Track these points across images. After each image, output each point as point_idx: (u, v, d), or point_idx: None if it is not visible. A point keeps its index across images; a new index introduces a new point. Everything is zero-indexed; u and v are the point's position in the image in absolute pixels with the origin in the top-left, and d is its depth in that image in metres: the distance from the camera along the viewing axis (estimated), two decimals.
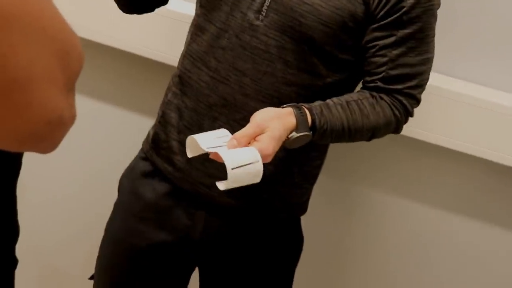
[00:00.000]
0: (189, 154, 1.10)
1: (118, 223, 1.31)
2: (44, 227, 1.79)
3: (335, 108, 1.14)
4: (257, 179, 1.02)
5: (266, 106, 1.13)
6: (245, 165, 1.01)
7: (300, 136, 1.08)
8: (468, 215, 1.59)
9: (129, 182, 1.32)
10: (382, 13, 1.13)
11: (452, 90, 1.46)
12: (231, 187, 0.99)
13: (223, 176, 1.01)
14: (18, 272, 1.09)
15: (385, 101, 1.18)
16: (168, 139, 1.25)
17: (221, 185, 1.00)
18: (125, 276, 1.33)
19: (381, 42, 1.15)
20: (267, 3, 1.14)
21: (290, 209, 1.25)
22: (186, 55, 1.23)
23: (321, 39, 1.14)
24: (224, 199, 1.14)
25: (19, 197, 0.96)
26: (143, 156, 1.31)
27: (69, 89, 0.59)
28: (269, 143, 1.03)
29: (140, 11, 1.24)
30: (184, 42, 1.26)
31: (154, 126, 1.29)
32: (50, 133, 0.58)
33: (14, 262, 1.01)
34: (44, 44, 0.54)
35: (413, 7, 1.12)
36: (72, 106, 0.59)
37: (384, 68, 1.17)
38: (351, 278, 1.69)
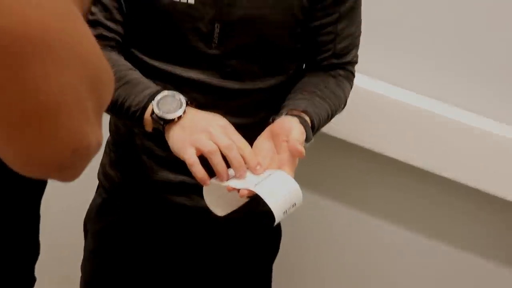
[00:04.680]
0: (220, 212, 1.05)
1: (97, 266, 1.36)
2: (62, 245, 1.76)
3: (317, 101, 1.17)
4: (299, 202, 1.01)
5: (244, 119, 1.17)
6: (291, 205, 0.99)
7: (309, 145, 1.11)
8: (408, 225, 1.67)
9: (100, 226, 1.34)
10: None
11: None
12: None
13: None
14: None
15: (342, 76, 1.25)
16: (144, 180, 1.27)
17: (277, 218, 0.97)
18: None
19: (326, 21, 1.20)
20: (217, 31, 1.13)
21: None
22: None
23: (282, 42, 1.19)
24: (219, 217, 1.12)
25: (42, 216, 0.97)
26: (107, 197, 1.33)
27: (98, 117, 0.57)
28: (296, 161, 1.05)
29: None
30: None
31: (114, 166, 1.29)
32: (75, 161, 0.57)
33: (32, 280, 1.01)
34: (78, 73, 0.52)
35: None
36: (99, 134, 0.57)
37: (332, 44, 1.22)
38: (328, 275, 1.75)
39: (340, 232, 1.75)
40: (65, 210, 1.83)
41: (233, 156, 1.02)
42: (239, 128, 1.08)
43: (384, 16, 1.55)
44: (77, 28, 0.53)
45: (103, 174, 1.33)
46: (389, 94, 1.55)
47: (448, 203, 1.63)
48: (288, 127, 1.07)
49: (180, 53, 1.17)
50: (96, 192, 1.36)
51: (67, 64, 0.51)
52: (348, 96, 1.28)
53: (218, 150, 1.02)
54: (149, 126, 1.09)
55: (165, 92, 1.09)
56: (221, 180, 1.02)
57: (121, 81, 1.11)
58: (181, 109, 1.06)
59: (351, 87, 1.29)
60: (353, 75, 1.29)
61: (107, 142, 1.34)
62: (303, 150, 1.05)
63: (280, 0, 1.14)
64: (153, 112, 1.07)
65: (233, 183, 1.01)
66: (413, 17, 1.54)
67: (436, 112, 1.51)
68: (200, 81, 1.17)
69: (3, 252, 0.89)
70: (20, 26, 0.48)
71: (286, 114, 1.13)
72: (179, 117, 1.06)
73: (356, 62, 1.29)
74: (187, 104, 1.08)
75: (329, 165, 1.70)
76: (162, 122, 1.06)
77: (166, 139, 1.07)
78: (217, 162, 1.02)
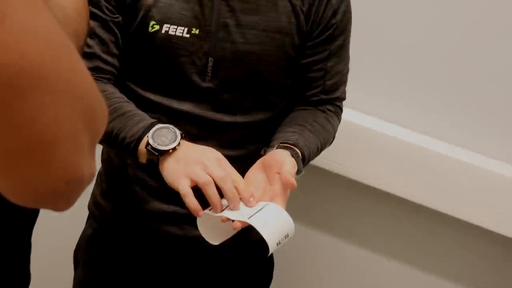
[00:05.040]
0: (214, 241, 1.06)
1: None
2: (52, 277, 1.74)
3: (307, 134, 1.19)
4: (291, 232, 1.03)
5: (235, 151, 1.19)
6: (283, 236, 1.01)
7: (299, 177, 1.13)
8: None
9: (90, 257, 1.34)
10: (315, 33, 1.21)
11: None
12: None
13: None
14: None
15: (331, 111, 1.27)
16: (136, 210, 1.28)
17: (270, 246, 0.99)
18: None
19: (316, 58, 1.23)
20: (210, 64, 1.16)
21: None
22: None
23: (273, 78, 1.21)
24: (212, 246, 1.13)
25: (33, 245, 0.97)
26: (97, 227, 1.34)
27: (91, 149, 0.58)
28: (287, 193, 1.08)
29: None
30: None
31: (105, 196, 1.31)
32: (68, 193, 0.57)
33: None
34: (73, 105, 0.53)
35: (341, 20, 1.22)
36: (92, 166, 0.58)
37: (322, 81, 1.25)
38: None
39: (330, 261, 1.76)
40: (54, 240, 1.82)
41: (227, 188, 1.04)
42: (230, 160, 1.09)
43: (382, 52, 1.59)
44: (72, 61, 0.54)
45: (94, 204, 1.34)
46: (380, 128, 1.58)
47: (440, 236, 1.64)
48: (280, 160, 1.09)
49: (175, 86, 1.19)
50: (86, 222, 1.37)
51: (62, 96, 0.52)
52: (337, 130, 1.30)
53: (213, 182, 1.03)
54: (143, 158, 1.10)
55: (160, 125, 1.10)
56: (215, 211, 1.04)
57: (116, 113, 1.13)
58: (175, 142, 1.07)
59: (339, 122, 1.31)
60: (341, 110, 1.32)
61: (99, 172, 1.35)
62: (294, 182, 1.06)
63: (272, 38, 1.17)
64: (148, 144, 1.08)
65: (227, 214, 1.03)
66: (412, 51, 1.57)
67: (429, 148, 1.55)
68: (194, 114, 1.20)
69: None
70: (17, 61, 0.48)
71: (278, 147, 1.15)
72: (174, 149, 1.07)
73: (344, 98, 1.32)
74: (181, 137, 1.09)
75: (319, 196, 1.72)
76: (157, 154, 1.07)
77: (160, 170, 1.08)
78: (212, 194, 1.03)
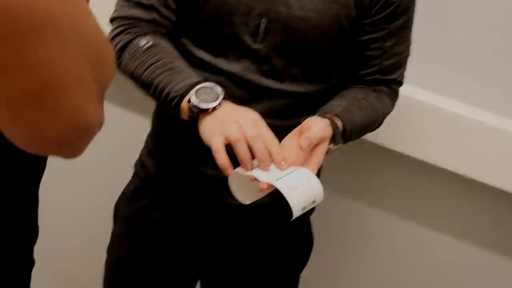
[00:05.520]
0: (245, 200, 1.08)
1: (123, 250, 1.38)
2: (60, 232, 1.80)
3: (353, 109, 1.17)
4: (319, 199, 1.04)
5: (280, 121, 1.18)
6: (311, 202, 1.02)
7: (337, 148, 1.13)
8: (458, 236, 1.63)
9: (129, 211, 1.36)
10: (375, 9, 1.17)
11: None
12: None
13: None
14: (33, 274, 1.09)
15: (385, 92, 1.24)
16: (177, 170, 1.29)
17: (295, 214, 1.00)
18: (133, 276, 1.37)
19: (374, 36, 1.19)
20: (263, 25, 1.15)
21: None
22: None
23: (324, 48, 1.18)
24: (235, 202, 1.13)
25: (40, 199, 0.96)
26: (140, 184, 1.35)
27: (100, 97, 0.58)
28: (321, 160, 1.09)
29: None
30: None
31: (151, 156, 1.33)
32: (76, 139, 0.57)
33: (31, 263, 1.01)
34: (80, 50, 0.52)
35: None
36: (100, 114, 0.58)
37: (379, 60, 1.22)
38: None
39: (374, 241, 1.72)
40: (99, 196, 1.85)
41: (258, 147, 1.05)
42: (274, 129, 1.09)
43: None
44: (79, 6, 0.53)
45: (139, 163, 1.37)
46: (436, 102, 1.51)
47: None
48: (311, 125, 1.10)
49: (226, 45, 1.20)
50: (130, 179, 1.40)
51: (69, 41, 0.51)
52: (388, 114, 1.27)
53: (244, 140, 1.05)
54: (185, 114, 1.12)
55: (205, 83, 1.12)
56: (245, 169, 1.05)
57: (165, 67, 1.15)
58: (217, 101, 1.10)
59: (392, 107, 1.28)
60: (396, 95, 1.29)
61: (148, 133, 1.39)
62: (306, 144, 1.08)
63: (328, 7, 1.15)
64: (190, 100, 1.11)
65: (256, 174, 1.05)
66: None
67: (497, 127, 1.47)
68: (241, 76, 1.20)
69: (1, 233, 0.88)
70: (22, 1, 0.47)
71: (318, 115, 1.14)
72: (214, 108, 1.09)
73: (401, 83, 1.28)
74: (224, 98, 1.10)
75: (364, 170, 1.67)
76: (197, 111, 1.10)
77: (199, 128, 1.10)
78: (242, 151, 1.05)
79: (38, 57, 0.50)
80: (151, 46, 1.15)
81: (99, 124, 0.58)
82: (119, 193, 1.41)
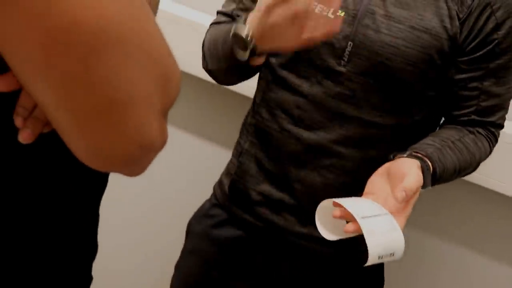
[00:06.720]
0: (327, 235, 1.03)
1: (192, 266, 1.33)
2: (116, 251, 1.80)
3: (446, 151, 1.09)
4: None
5: (354, 151, 1.12)
6: (389, 254, 0.97)
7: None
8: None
9: (201, 228, 1.33)
10: (471, 46, 1.09)
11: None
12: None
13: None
14: None
15: (482, 135, 1.15)
16: (247, 190, 1.24)
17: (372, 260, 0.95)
18: None
19: (471, 75, 1.11)
20: (348, 48, 1.11)
21: None
22: (262, 103, 1.21)
23: (409, 80, 1.11)
24: (313, 245, 1.11)
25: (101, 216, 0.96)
26: (216, 203, 1.31)
27: (164, 115, 0.58)
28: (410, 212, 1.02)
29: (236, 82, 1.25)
30: (256, 90, 1.25)
31: (229, 175, 1.28)
32: (140, 157, 0.57)
33: (89, 279, 1.01)
34: (147, 68, 0.53)
35: (505, 37, 1.08)
36: (164, 132, 0.58)
37: (476, 101, 1.12)
38: None
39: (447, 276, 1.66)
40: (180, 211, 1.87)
41: None
42: (346, 159, 1.08)
43: None
44: (149, 24, 0.54)
45: (218, 182, 1.37)
46: None
47: None
48: (405, 172, 1.02)
49: (310, 66, 1.17)
50: (208, 198, 1.40)
51: (138, 58, 0.52)
52: (485, 158, 1.19)
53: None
54: (241, 54, 1.09)
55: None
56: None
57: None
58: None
59: (491, 151, 1.20)
60: (496, 139, 1.20)
61: (232, 153, 1.37)
62: (402, 197, 1.00)
63: (419, 37, 1.10)
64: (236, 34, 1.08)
65: (344, 202, 0.99)
66: None
67: None
68: (320, 100, 1.17)
69: (60, 249, 0.89)
70: (96, 20, 0.48)
71: (408, 155, 1.08)
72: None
73: (501, 126, 1.20)
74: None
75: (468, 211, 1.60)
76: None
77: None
78: None
79: (107, 74, 0.50)
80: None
81: (163, 142, 0.58)
82: (187, 211, 1.42)
